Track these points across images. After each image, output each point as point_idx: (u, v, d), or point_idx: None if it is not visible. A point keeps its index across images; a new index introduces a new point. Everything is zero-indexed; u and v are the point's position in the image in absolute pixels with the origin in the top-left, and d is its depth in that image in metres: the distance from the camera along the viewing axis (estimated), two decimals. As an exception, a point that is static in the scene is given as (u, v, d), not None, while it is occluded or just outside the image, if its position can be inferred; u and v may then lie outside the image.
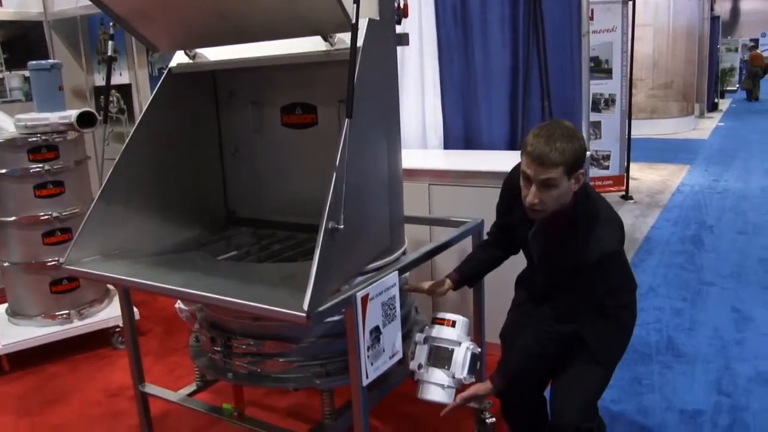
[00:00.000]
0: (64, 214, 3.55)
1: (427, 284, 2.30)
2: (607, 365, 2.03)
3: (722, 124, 13.97)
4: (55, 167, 3.49)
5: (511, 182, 2.08)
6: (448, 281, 2.28)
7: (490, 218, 2.32)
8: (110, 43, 2.34)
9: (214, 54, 2.34)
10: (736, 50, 20.38)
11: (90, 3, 2.14)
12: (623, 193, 6.70)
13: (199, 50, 2.36)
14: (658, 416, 2.75)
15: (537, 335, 1.97)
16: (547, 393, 2.18)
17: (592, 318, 2.00)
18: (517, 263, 2.30)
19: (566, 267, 1.90)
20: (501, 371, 2.01)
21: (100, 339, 3.68)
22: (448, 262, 2.38)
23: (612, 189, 6.32)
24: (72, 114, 3.43)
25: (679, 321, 3.73)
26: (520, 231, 2.06)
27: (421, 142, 3.93)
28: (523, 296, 2.28)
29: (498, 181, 2.20)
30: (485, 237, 2.39)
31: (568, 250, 1.89)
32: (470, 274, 2.31)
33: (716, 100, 17.04)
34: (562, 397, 1.99)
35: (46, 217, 3.51)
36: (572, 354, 2.01)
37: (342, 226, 1.67)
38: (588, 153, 2.16)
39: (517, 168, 2.05)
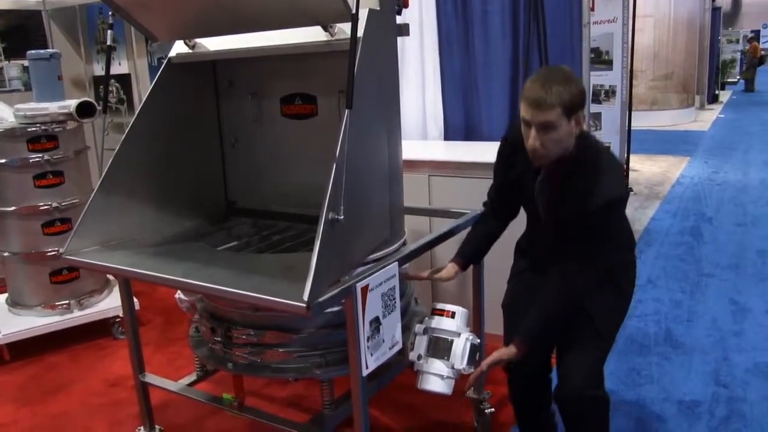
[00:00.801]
0: (63, 204, 3.55)
1: (427, 272, 2.31)
2: (609, 333, 2.08)
3: (722, 115, 13.94)
4: (55, 157, 3.49)
5: (509, 139, 2.11)
6: (452, 266, 2.28)
7: (489, 209, 2.32)
8: (109, 32, 2.33)
9: (213, 44, 2.33)
10: (737, 41, 20.33)
11: (89, -8, 2.13)
12: (623, 184, 6.69)
13: (198, 40, 2.35)
14: (656, 407, 2.77)
15: (556, 295, 1.99)
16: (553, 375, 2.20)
17: (593, 287, 2.03)
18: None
19: (572, 215, 1.91)
20: (523, 334, 2.03)
21: (100, 329, 3.69)
22: (447, 253, 2.37)
23: (612, 180, 6.29)
24: (71, 104, 3.42)
25: (678, 312, 3.74)
26: (525, 184, 2.05)
27: (422, 133, 3.92)
28: (522, 264, 2.30)
29: (498, 172, 2.21)
30: (482, 209, 2.38)
31: (574, 196, 1.89)
32: (473, 253, 2.32)
33: (717, 92, 16.99)
34: (567, 365, 2.03)
35: (46, 207, 3.51)
36: (575, 324, 2.04)
37: (342, 217, 1.67)
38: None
39: (513, 127, 2.06)
